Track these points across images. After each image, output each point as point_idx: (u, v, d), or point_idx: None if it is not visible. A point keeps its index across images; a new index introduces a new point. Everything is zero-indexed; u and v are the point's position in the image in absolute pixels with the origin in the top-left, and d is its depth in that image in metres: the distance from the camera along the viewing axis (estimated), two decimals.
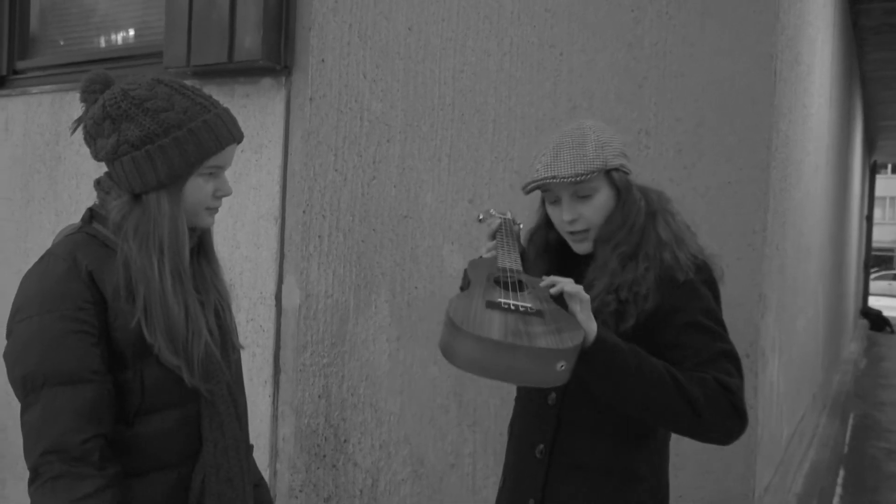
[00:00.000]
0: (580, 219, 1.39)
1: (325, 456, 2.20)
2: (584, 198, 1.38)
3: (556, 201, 1.41)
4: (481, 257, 1.47)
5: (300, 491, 2.15)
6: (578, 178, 1.34)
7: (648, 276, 1.33)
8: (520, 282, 1.29)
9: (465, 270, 1.35)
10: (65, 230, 1.30)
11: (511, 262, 1.36)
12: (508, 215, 1.60)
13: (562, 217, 1.39)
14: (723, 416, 1.25)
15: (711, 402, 1.23)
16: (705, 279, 1.37)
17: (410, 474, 2.40)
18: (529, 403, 1.49)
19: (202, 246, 1.35)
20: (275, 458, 2.18)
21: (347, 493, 2.25)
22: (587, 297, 1.23)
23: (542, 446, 1.42)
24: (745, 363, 2.58)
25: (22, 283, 1.22)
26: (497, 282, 1.30)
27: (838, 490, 4.74)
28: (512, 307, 1.18)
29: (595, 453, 1.39)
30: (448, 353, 1.15)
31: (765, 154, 2.57)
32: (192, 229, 1.30)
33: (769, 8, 2.56)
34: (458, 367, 1.15)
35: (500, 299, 1.21)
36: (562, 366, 1.12)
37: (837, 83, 6.21)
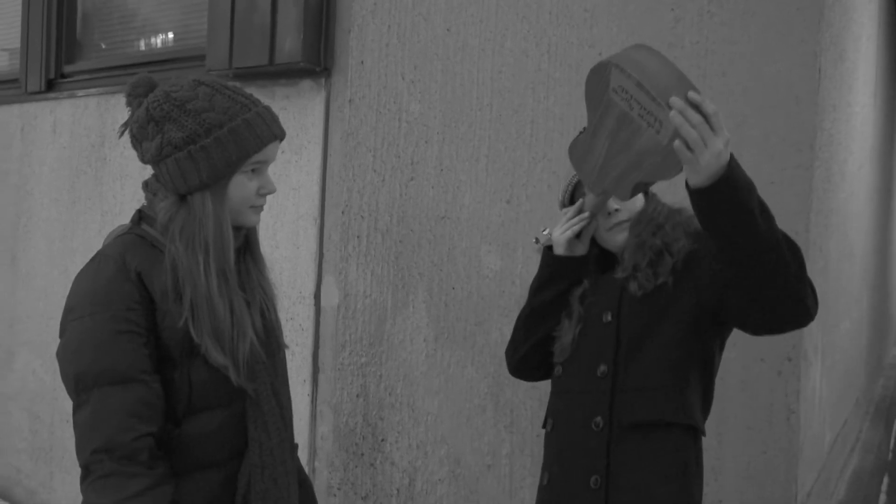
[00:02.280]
0: (623, 210, 1.52)
1: (362, 454, 2.21)
2: None
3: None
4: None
5: (338, 489, 2.17)
6: None
7: (677, 230, 1.47)
8: None
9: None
10: (115, 231, 1.33)
11: None
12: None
13: (610, 209, 1.53)
14: (808, 283, 1.27)
15: (803, 262, 1.26)
16: None
17: (447, 474, 2.41)
18: (576, 382, 1.51)
19: (248, 245, 1.36)
20: (314, 456, 2.20)
21: (384, 491, 2.26)
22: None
23: (598, 418, 1.44)
24: (787, 367, 2.54)
25: (74, 283, 1.24)
26: None
27: (883, 497, 4.63)
28: None
29: (655, 410, 1.42)
30: (615, 57, 1.23)
31: (808, 154, 2.53)
32: (237, 228, 1.31)
33: (813, 5, 2.51)
34: (613, 59, 1.23)
35: None
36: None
37: (882, 80, 6.07)
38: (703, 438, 1.51)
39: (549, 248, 1.60)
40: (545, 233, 1.62)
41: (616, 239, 1.54)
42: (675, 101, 1.14)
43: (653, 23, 2.58)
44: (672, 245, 1.46)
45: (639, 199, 1.55)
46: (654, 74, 1.18)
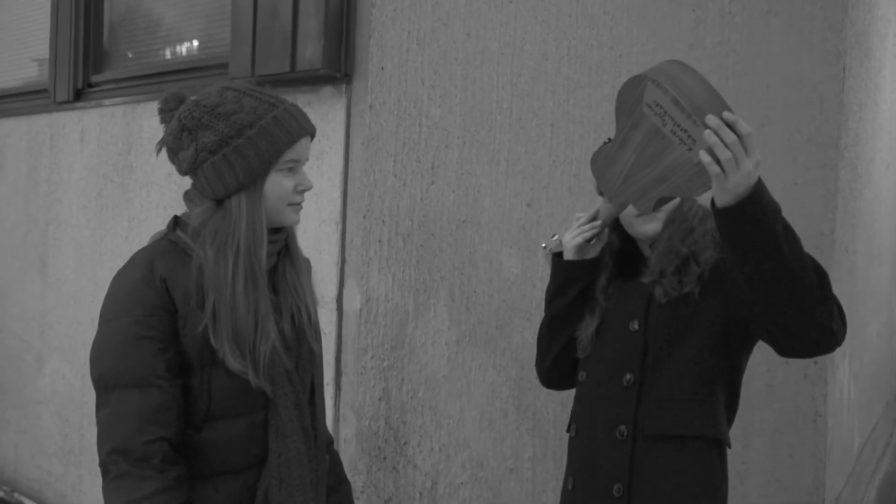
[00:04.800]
0: None
1: (385, 458, 2.22)
2: None
3: None
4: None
5: (361, 492, 2.18)
6: None
7: (707, 238, 1.45)
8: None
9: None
10: (154, 236, 1.35)
11: None
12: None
13: None
14: (835, 307, 1.25)
15: (829, 285, 1.24)
16: None
17: (470, 477, 2.41)
18: (602, 389, 1.50)
19: (287, 248, 1.37)
20: None
21: (407, 495, 2.27)
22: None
23: (622, 427, 1.43)
24: (813, 370, 2.51)
25: (108, 288, 1.28)
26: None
27: None
28: None
29: (680, 423, 1.41)
30: (650, 72, 1.24)
31: (833, 153, 2.50)
32: (278, 230, 1.33)
33: (836, 3, 2.49)
34: (649, 74, 1.24)
35: None
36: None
37: None
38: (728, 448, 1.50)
39: (558, 256, 1.58)
40: (554, 239, 1.61)
41: (645, 228, 1.51)
42: (712, 119, 1.14)
43: (674, 24, 2.57)
44: (700, 254, 1.44)
45: None
46: (691, 91, 1.19)
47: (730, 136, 1.12)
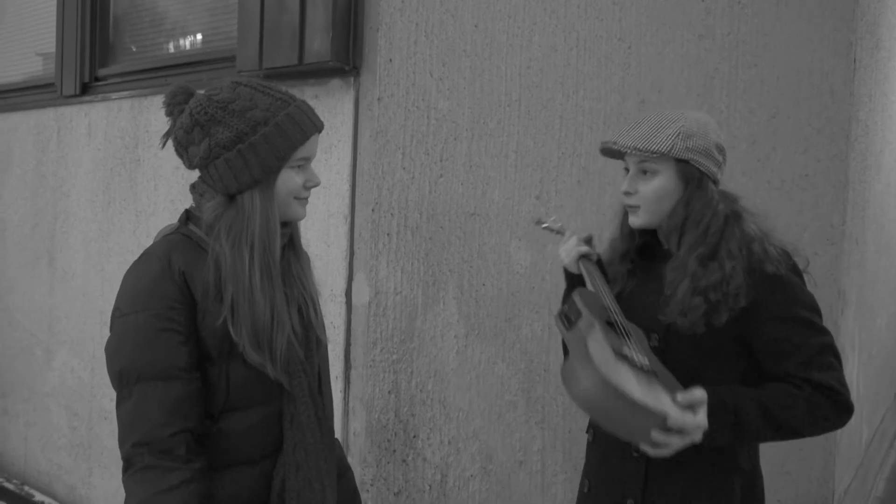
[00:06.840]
0: (635, 194, 1.43)
1: (394, 451, 2.22)
2: (646, 174, 1.42)
3: (627, 171, 1.47)
4: (586, 288, 1.53)
5: (371, 485, 2.18)
6: (635, 152, 1.39)
7: (737, 272, 1.34)
8: (626, 330, 1.36)
9: (572, 296, 1.44)
10: (163, 230, 1.36)
11: (610, 300, 1.43)
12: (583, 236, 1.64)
13: (624, 189, 1.46)
14: (825, 421, 1.32)
15: (814, 416, 1.31)
16: (792, 267, 1.38)
17: (479, 470, 2.41)
18: None
19: (292, 242, 1.38)
20: (346, 453, 2.22)
21: (417, 487, 2.27)
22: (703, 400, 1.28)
23: None
24: None
25: (122, 281, 1.28)
26: (611, 325, 1.37)
27: None
28: (637, 364, 1.27)
29: (697, 447, 1.35)
30: (570, 381, 1.23)
31: (843, 145, 2.48)
32: (284, 225, 1.34)
33: None
34: (571, 396, 1.24)
35: (625, 351, 1.29)
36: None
37: None
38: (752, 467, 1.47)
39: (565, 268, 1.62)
40: (552, 220, 1.67)
41: (631, 219, 1.47)
42: (657, 436, 1.22)
43: (683, 14, 2.56)
44: (728, 292, 1.33)
45: (660, 186, 1.41)
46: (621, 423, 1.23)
47: (675, 441, 1.24)
